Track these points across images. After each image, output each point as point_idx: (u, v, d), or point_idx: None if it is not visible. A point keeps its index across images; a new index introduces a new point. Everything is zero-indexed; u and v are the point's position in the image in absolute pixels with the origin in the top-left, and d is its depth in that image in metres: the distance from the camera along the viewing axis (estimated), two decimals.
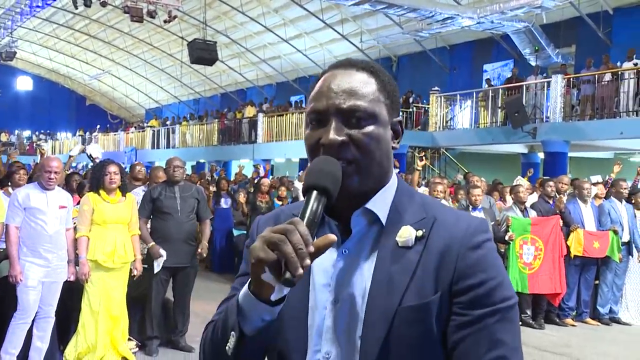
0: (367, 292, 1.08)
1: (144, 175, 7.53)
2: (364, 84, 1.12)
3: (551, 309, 7.34)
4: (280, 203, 9.29)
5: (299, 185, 8.78)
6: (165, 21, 20.80)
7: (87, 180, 6.41)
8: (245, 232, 9.65)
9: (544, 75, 15.69)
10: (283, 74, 26.78)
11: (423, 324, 1.05)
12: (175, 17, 20.79)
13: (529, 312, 7.18)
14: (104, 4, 19.60)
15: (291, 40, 24.20)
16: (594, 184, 8.08)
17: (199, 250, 5.62)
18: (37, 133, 37.81)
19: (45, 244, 4.63)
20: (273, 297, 0.99)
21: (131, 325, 5.34)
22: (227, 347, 1.03)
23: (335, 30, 22.22)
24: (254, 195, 9.35)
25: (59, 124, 38.98)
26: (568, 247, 7.24)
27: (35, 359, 4.73)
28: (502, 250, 7.23)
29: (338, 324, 1.09)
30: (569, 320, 7.35)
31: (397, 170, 11.63)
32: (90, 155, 7.56)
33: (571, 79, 14.41)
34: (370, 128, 1.10)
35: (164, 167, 5.81)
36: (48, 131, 37.84)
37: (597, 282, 7.58)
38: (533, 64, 17.08)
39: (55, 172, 4.69)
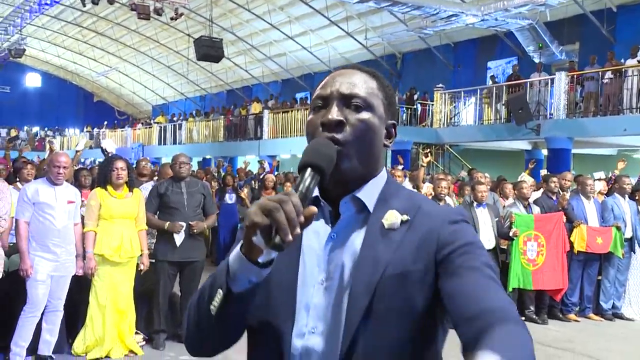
0: (353, 270, 1.14)
1: (150, 170, 7.54)
2: (365, 81, 1.22)
3: (554, 305, 7.33)
4: None
5: None
6: (172, 18, 20.82)
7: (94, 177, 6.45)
8: None
9: (547, 72, 15.62)
10: (288, 70, 26.76)
11: (404, 292, 1.12)
12: (181, 14, 20.81)
13: (532, 307, 7.16)
14: (111, 2, 19.63)
15: (296, 37, 24.18)
16: (597, 180, 8.05)
17: (193, 224, 5.43)
18: (45, 129, 37.92)
19: (54, 238, 4.65)
20: (261, 260, 1.05)
21: (138, 319, 5.35)
22: (212, 306, 1.09)
23: (340, 28, 22.18)
24: (259, 191, 9.36)
25: (67, 120, 39.09)
26: (571, 243, 7.22)
27: (45, 351, 4.76)
28: (505, 246, 7.22)
29: (325, 301, 1.15)
30: (572, 316, 7.33)
31: (402, 166, 11.61)
32: (105, 150, 7.58)
33: (575, 76, 14.35)
34: (366, 115, 1.19)
35: (171, 163, 5.80)
36: (56, 127, 37.94)
37: (599, 277, 7.56)
38: (537, 61, 17.02)
39: (64, 167, 4.71)
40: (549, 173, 8.80)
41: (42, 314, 4.69)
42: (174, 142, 25.60)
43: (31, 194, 4.63)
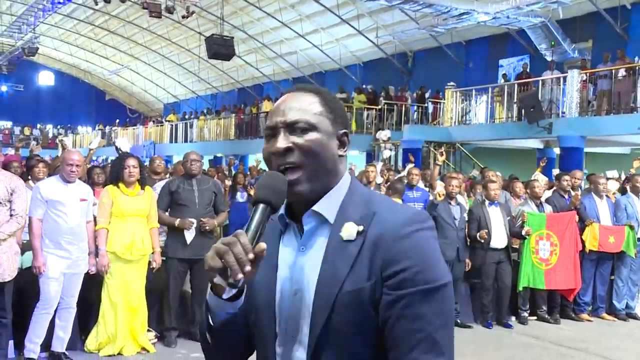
0: (316, 283, 1.22)
1: (163, 169, 7.56)
2: (309, 102, 1.29)
3: (567, 304, 7.27)
4: None
5: None
6: (183, 17, 20.87)
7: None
8: None
9: (559, 70, 15.50)
10: (299, 69, 26.76)
11: (359, 307, 1.18)
12: (193, 12, 20.86)
13: (544, 307, 7.12)
14: (123, 0, 19.70)
15: (307, 35, 24.16)
16: (610, 179, 7.97)
17: (204, 221, 5.42)
18: (58, 127, 38.19)
19: (67, 236, 4.67)
20: (224, 296, 1.19)
21: (150, 317, 5.37)
22: (207, 334, 1.26)
23: (351, 26, 22.14)
24: None
25: (80, 119, 39.36)
26: (583, 242, 7.16)
27: (58, 348, 4.79)
28: (517, 245, 7.17)
29: (298, 310, 1.24)
30: (584, 316, 7.28)
31: (412, 164, 11.56)
32: (119, 148, 7.61)
33: (587, 74, 14.23)
34: (312, 135, 1.26)
35: (183, 160, 5.81)
36: (69, 125, 38.20)
37: (612, 277, 7.49)
38: (549, 59, 16.89)
39: (77, 165, 4.73)
40: (561, 172, 8.71)
41: (55, 311, 4.72)
42: (185, 140, 25.69)
43: (44, 191, 4.65)
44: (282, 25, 23.92)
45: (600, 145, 14.99)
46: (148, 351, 5.17)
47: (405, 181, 7.88)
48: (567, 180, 7.63)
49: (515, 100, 15.62)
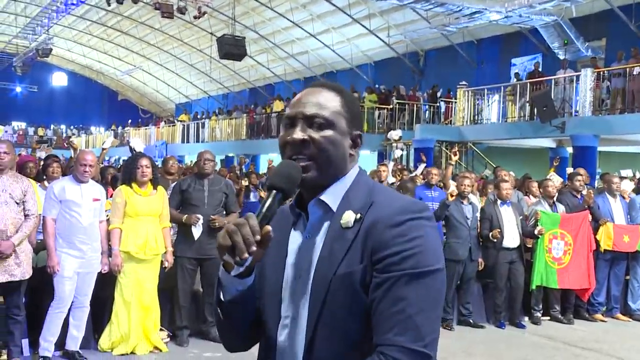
0: (315, 266, 1.30)
1: (176, 169, 7.58)
2: (329, 100, 1.36)
3: (580, 304, 7.21)
4: None
5: None
6: (195, 17, 20.96)
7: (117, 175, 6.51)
8: None
9: (572, 69, 15.38)
10: (311, 69, 26.77)
11: (351, 289, 1.25)
12: (204, 13, 20.94)
13: (557, 307, 7.07)
14: (135, 1, 19.84)
15: (319, 35, 24.16)
16: (625, 178, 7.90)
17: (214, 217, 5.41)
18: (71, 127, 38.48)
19: (80, 235, 4.70)
20: (232, 273, 1.25)
21: (162, 316, 5.39)
22: (218, 308, 1.35)
23: (363, 25, 22.11)
24: None
25: (92, 119, 39.65)
26: (597, 242, 7.10)
27: (72, 346, 4.82)
28: (530, 245, 7.12)
29: (299, 294, 1.32)
30: (598, 316, 7.21)
31: (424, 164, 11.52)
32: (134, 148, 7.64)
33: (601, 73, 14.11)
34: (328, 132, 1.33)
35: (197, 159, 5.83)
36: (81, 126, 38.48)
37: (627, 277, 7.43)
38: (562, 57, 16.77)
39: (90, 166, 4.76)
40: (579, 170, 8.63)
41: (69, 310, 4.75)
42: (197, 140, 25.78)
43: (58, 191, 4.68)
44: (293, 25, 23.95)
45: (614, 144, 14.86)
46: (161, 350, 5.19)
47: (417, 181, 7.85)
48: (579, 181, 7.58)
49: (527, 99, 15.53)
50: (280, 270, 1.36)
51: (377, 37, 22.38)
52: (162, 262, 5.24)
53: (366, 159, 17.60)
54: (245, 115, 24.09)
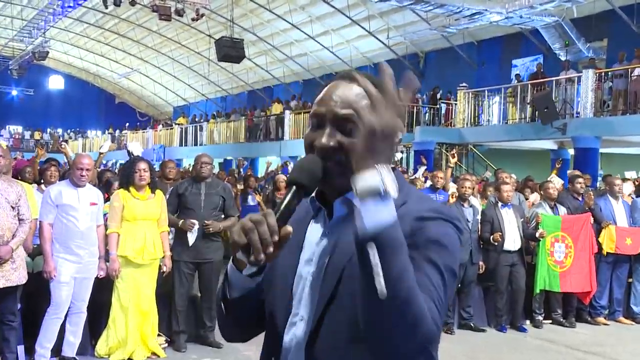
0: (328, 260, 1.25)
1: (175, 174, 7.49)
2: (362, 97, 1.21)
3: (582, 307, 7.22)
4: None
5: None
6: (193, 19, 20.98)
7: (113, 178, 6.50)
8: None
9: (575, 69, 15.40)
10: (310, 71, 26.79)
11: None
12: (202, 15, 20.96)
13: (559, 310, 7.07)
14: (133, 3, 19.85)
15: (318, 37, 24.19)
16: (624, 180, 7.91)
17: (208, 223, 5.42)
18: (68, 131, 38.49)
19: (77, 240, 4.70)
20: (244, 272, 1.22)
21: (160, 321, 5.39)
22: (222, 304, 1.31)
23: (362, 27, 22.14)
24: (272, 192, 9.32)
25: (89, 122, 39.65)
26: (599, 244, 7.11)
27: (68, 353, 4.82)
28: (532, 247, 7.12)
29: (312, 291, 1.26)
30: (601, 319, 7.22)
31: (425, 167, 11.54)
32: (132, 152, 7.62)
33: (602, 74, 14.13)
34: (356, 140, 1.18)
35: (194, 163, 5.83)
36: (78, 129, 38.49)
37: (630, 280, 7.43)
38: (563, 58, 16.80)
39: (87, 170, 4.76)
40: (579, 173, 8.64)
41: (66, 315, 4.75)
42: (195, 144, 25.80)
43: (54, 195, 4.69)
44: (292, 27, 23.98)
45: (616, 145, 14.88)
46: (158, 356, 5.19)
47: (418, 184, 7.85)
48: (580, 183, 7.59)
49: (528, 100, 15.55)
50: (293, 265, 1.30)
51: (377, 38, 22.41)
52: (160, 266, 5.25)
53: None
54: (243, 118, 24.11)
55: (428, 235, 1.17)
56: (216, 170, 17.33)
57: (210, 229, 5.44)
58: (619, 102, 13.76)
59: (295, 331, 1.27)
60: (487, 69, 20.53)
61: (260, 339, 1.41)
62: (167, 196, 5.67)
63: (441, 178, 7.51)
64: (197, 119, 28.57)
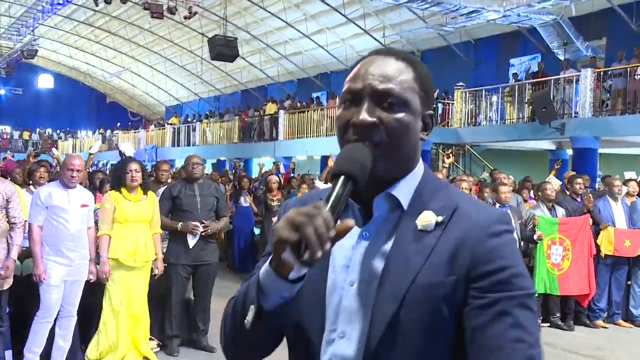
0: (382, 272, 1.11)
1: (168, 177, 7.01)
2: (401, 72, 1.16)
3: (581, 310, 7.25)
4: None
5: (320, 184, 8.77)
6: (185, 17, 20.98)
7: (106, 179, 6.48)
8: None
9: (574, 68, 15.45)
10: (304, 70, 26.80)
11: (433, 304, 1.07)
12: (195, 13, 20.96)
13: (557, 313, 7.09)
14: (124, 1, 19.82)
15: (312, 35, 24.20)
16: (625, 182, 7.93)
17: (207, 223, 5.45)
18: (57, 131, 38.37)
19: (68, 242, 4.69)
20: (291, 276, 1.03)
21: (152, 325, 5.38)
22: (245, 322, 1.07)
23: (358, 25, 22.16)
24: (264, 194, 9.33)
25: (80, 122, 39.54)
26: (598, 246, 7.13)
27: (58, 358, 4.80)
28: (529, 250, 7.14)
29: (354, 304, 1.13)
30: (599, 322, 7.25)
31: None
32: (123, 152, 7.56)
33: (601, 73, 14.18)
34: (401, 114, 1.14)
35: (184, 164, 5.82)
36: (68, 129, 38.37)
37: (629, 282, 7.46)
38: (561, 57, 16.84)
39: (77, 170, 4.74)
40: (575, 174, 8.67)
41: (56, 319, 4.74)
42: (188, 144, 25.76)
43: (44, 197, 4.67)
44: (286, 25, 23.97)
45: (615, 146, 14.93)
46: None
47: None
48: (579, 184, 7.62)
49: (526, 100, 15.59)
50: (323, 271, 1.16)
51: (373, 37, 22.43)
52: (152, 269, 5.24)
53: None
54: (237, 117, 24.09)
55: (512, 271, 1.08)
56: (209, 170, 17.35)
57: (209, 231, 5.46)
58: (618, 101, 13.81)
59: (335, 350, 1.13)
60: (485, 68, 20.59)
61: None
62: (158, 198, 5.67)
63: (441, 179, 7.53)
64: (189, 119, 28.54)
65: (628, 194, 7.60)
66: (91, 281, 4.91)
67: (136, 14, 26.17)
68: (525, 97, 15.66)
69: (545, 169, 13.93)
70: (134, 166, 5.10)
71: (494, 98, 16.81)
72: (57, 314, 4.73)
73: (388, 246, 1.13)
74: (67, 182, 4.73)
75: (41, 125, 37.97)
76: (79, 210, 4.77)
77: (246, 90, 31.34)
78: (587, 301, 7.11)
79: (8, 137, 36.20)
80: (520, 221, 6.84)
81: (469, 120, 17.06)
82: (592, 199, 7.26)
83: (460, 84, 17.26)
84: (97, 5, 20.32)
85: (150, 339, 5.38)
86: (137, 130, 31.16)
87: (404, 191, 1.16)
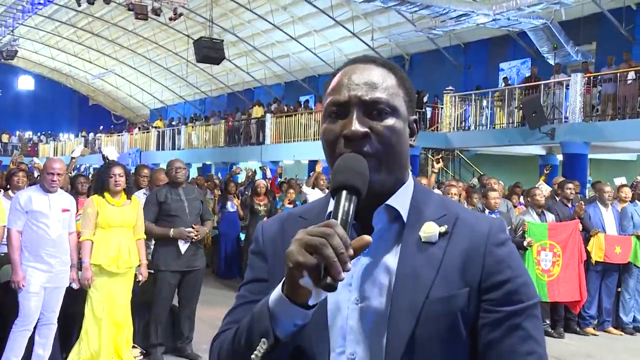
0: (392, 289, 1.09)
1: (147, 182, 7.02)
2: (384, 78, 1.15)
3: (571, 317, 7.29)
4: (291, 207, 9.24)
5: (307, 190, 8.77)
6: (170, 19, 20.92)
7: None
8: None
9: (565, 73, 15.60)
10: (292, 73, 26.83)
11: (449, 318, 1.07)
12: (180, 14, 20.91)
13: (547, 321, 7.12)
14: (107, 1, 19.75)
15: (300, 38, 24.24)
16: (619, 187, 7.99)
17: (197, 228, 5.45)
18: (38, 134, 38.09)
19: (48, 248, 4.65)
20: (311, 302, 0.99)
21: (135, 332, 5.35)
22: (253, 355, 1.00)
23: (346, 28, 22.23)
24: (251, 198, 9.31)
25: (61, 125, 39.27)
26: (588, 253, 7.18)
27: None
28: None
29: (363, 323, 1.10)
30: (590, 330, 7.29)
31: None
32: (107, 157, 7.52)
33: (591, 78, 14.32)
34: (391, 121, 1.13)
35: (167, 169, 5.80)
36: (49, 132, 38.11)
37: (619, 289, 7.51)
38: (551, 62, 17.00)
39: (58, 174, 4.71)
40: (565, 179, 8.73)
41: (35, 327, 4.69)
42: (173, 148, 25.67)
43: (24, 202, 4.63)
44: (273, 27, 24.00)
45: (605, 151, 15.07)
46: None
47: None
48: (570, 189, 7.67)
49: (516, 105, 15.70)
50: None
51: (361, 40, 22.51)
52: (136, 275, 5.21)
53: None
54: (223, 121, 24.05)
55: (520, 281, 1.11)
56: (194, 174, 17.25)
57: (200, 236, 5.46)
58: (608, 106, 13.94)
59: None
60: (474, 72, 20.72)
61: None
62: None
63: (425, 185, 7.55)
64: (174, 122, 28.45)
65: (620, 199, 7.66)
66: (74, 288, 4.87)
67: (120, 15, 26.08)
68: (516, 101, 15.76)
69: (535, 175, 14.03)
70: (117, 170, 5.07)
71: (484, 102, 16.92)
72: (37, 322, 4.69)
73: (391, 260, 1.11)
74: (47, 187, 4.70)
75: (21, 128, 37.68)
76: (60, 215, 4.73)
77: (232, 93, 31.32)
78: (579, 308, 7.14)
79: None
80: (509, 227, 6.87)
81: (459, 125, 17.16)
82: (583, 206, 7.30)
83: (450, 88, 17.36)
84: (79, 5, 20.23)
85: (134, 346, 5.35)
86: (120, 134, 31.02)
87: (401, 201, 1.15)
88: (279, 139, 20.21)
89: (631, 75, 13.46)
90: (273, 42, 25.60)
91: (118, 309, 5.04)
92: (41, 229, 4.62)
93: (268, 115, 20.99)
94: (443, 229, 1.12)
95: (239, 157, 21.81)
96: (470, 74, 20.75)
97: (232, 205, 10.09)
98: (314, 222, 1.00)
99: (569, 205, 7.60)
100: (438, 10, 16.39)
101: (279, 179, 13.42)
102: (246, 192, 10.43)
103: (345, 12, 21.57)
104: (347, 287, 1.11)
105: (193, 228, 5.42)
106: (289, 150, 19.25)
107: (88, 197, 6.02)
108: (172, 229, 5.38)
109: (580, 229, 7.14)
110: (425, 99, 19.19)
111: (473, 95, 16.98)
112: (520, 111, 15.23)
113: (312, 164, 14.51)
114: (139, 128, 30.93)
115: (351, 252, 0.94)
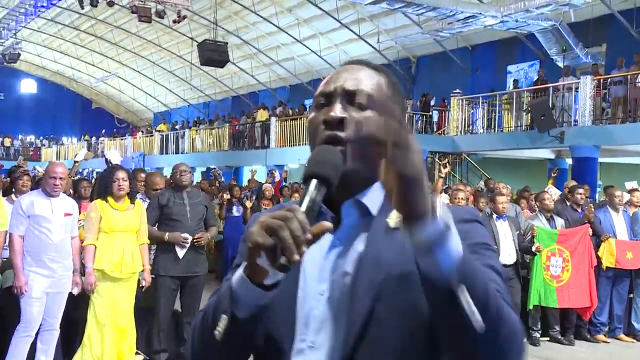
0: (355, 271, 1.13)
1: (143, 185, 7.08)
2: (371, 77, 1.23)
3: (582, 324, 7.25)
4: None
5: None
6: (174, 21, 20.99)
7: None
8: None
9: (574, 76, 15.56)
10: (297, 75, 26.85)
11: (407, 294, 1.08)
12: (184, 17, 20.97)
13: (557, 327, 7.09)
14: (110, 4, 19.85)
15: (305, 40, 24.26)
16: (630, 191, 7.97)
17: (198, 236, 5.45)
18: (40, 138, 38.23)
19: (50, 253, 4.66)
20: (267, 282, 1.04)
21: (138, 339, 5.34)
22: (216, 332, 1.07)
23: (352, 31, 22.24)
24: (257, 202, 9.35)
25: (64, 129, 39.41)
26: (599, 258, 7.14)
27: None
28: (528, 260, 7.15)
29: (326, 312, 1.14)
30: (601, 337, 7.24)
31: None
32: (110, 160, 7.52)
33: (601, 80, 14.27)
34: (371, 114, 1.18)
35: (171, 172, 5.81)
36: (52, 136, 38.24)
37: (631, 295, 7.47)
38: (560, 64, 16.96)
39: (60, 178, 4.72)
40: (576, 184, 8.70)
41: (37, 333, 4.69)
42: (177, 152, 25.72)
43: (26, 206, 4.64)
44: (278, 30, 24.03)
45: (615, 155, 15.01)
46: None
47: None
48: (580, 194, 7.64)
49: (524, 108, 15.66)
50: (294, 280, 1.16)
51: (367, 42, 22.52)
52: (139, 280, 5.21)
53: None
54: (227, 124, 24.09)
55: (477, 240, 1.14)
56: (198, 179, 17.28)
57: (202, 242, 5.45)
58: (618, 109, 13.89)
59: (310, 357, 1.13)
60: (482, 74, 20.69)
61: None
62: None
63: (432, 189, 7.53)
64: (177, 126, 28.50)
65: (632, 204, 7.63)
66: (76, 293, 4.87)
67: (123, 18, 26.17)
68: (524, 104, 15.72)
69: (544, 179, 13.97)
70: (121, 174, 5.08)
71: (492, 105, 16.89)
72: (39, 328, 4.69)
73: (359, 250, 1.15)
74: (49, 191, 4.71)
75: (23, 132, 37.83)
76: (62, 219, 4.74)
77: (237, 97, 31.36)
78: (589, 314, 7.10)
79: None
80: (518, 232, 6.84)
81: (466, 128, 17.12)
82: (593, 210, 7.27)
83: (457, 90, 17.33)
84: (82, 8, 20.31)
85: (137, 353, 5.34)
86: (124, 138, 31.10)
87: (373, 198, 1.18)
88: (284, 143, 20.23)
89: None
90: (278, 44, 25.64)
91: (121, 315, 5.04)
92: (43, 233, 4.64)
93: (273, 119, 21.01)
94: None
95: (244, 161, 21.83)
96: (478, 77, 20.71)
97: (238, 210, 10.09)
98: None
99: (579, 210, 7.57)
100: (445, 12, 16.39)
101: (284, 183, 13.43)
102: (247, 196, 10.46)
103: (351, 15, 21.58)
104: (316, 279, 1.16)
105: (194, 234, 5.40)
106: (294, 154, 19.25)
107: (91, 201, 6.03)
108: (167, 233, 5.38)
109: (591, 234, 7.11)
110: (432, 102, 19.20)
111: (480, 98, 16.95)
112: (529, 114, 15.19)
113: None
114: (143, 132, 31.02)
115: (309, 236, 0.97)
